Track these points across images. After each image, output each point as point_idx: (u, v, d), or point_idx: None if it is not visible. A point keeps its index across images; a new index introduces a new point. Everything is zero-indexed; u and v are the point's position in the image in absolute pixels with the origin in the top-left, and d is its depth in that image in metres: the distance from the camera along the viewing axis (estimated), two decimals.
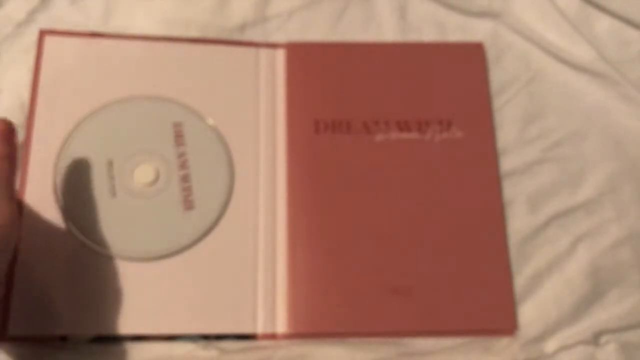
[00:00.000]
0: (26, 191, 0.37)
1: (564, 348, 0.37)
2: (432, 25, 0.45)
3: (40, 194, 0.37)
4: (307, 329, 0.37)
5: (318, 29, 0.44)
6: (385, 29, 0.44)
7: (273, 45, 0.43)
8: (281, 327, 0.37)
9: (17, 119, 0.39)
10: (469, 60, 0.44)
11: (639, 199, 0.41)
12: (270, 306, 0.37)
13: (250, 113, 0.41)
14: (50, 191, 0.37)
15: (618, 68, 0.43)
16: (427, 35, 0.45)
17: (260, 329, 0.36)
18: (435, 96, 0.42)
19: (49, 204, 0.37)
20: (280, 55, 0.43)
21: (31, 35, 0.41)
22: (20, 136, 0.38)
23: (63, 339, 0.35)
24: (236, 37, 0.43)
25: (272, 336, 0.37)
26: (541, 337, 0.38)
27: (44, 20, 0.42)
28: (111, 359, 0.35)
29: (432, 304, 0.37)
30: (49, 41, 0.41)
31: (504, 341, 0.37)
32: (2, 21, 0.42)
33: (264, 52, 0.43)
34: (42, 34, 0.41)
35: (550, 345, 0.37)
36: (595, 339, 0.38)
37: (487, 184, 0.41)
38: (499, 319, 0.38)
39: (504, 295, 0.38)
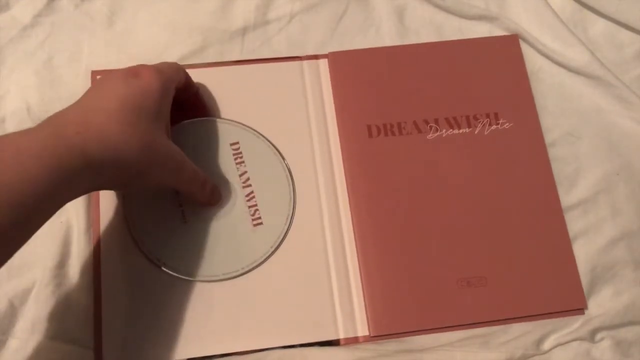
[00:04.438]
0: (100, 223, 0.37)
1: (560, 344, 0.38)
2: (430, 28, 0.45)
3: (114, 226, 0.37)
4: (387, 330, 0.37)
5: (318, 32, 0.44)
6: (383, 33, 0.45)
7: (315, 57, 0.43)
8: (362, 330, 0.37)
9: (22, 120, 0.40)
10: (506, 52, 0.44)
11: (633, 198, 0.42)
12: (348, 311, 0.37)
13: (302, 124, 0.41)
14: (123, 221, 0.37)
15: (612, 70, 0.44)
16: (425, 38, 0.45)
17: (342, 334, 0.37)
18: (479, 90, 0.43)
19: (123, 233, 0.37)
20: (323, 65, 0.43)
21: (36, 38, 0.42)
22: None
23: None
24: (238, 40, 0.44)
25: (355, 340, 0.37)
26: (538, 334, 0.38)
27: (49, 24, 0.42)
28: None
29: (506, 292, 0.38)
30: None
31: (505, 336, 0.38)
32: (8, 24, 0.42)
33: (307, 64, 0.43)
34: (94, 74, 0.41)
35: (547, 342, 0.38)
36: (590, 336, 0.38)
37: (540, 170, 0.41)
38: (570, 299, 0.38)
39: (571, 275, 0.39)
